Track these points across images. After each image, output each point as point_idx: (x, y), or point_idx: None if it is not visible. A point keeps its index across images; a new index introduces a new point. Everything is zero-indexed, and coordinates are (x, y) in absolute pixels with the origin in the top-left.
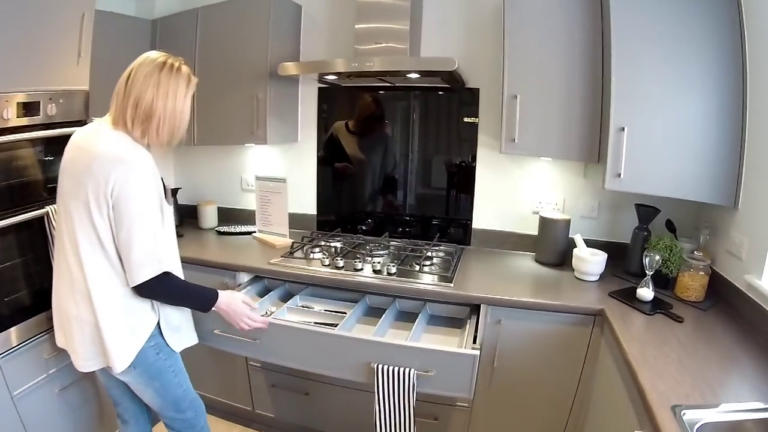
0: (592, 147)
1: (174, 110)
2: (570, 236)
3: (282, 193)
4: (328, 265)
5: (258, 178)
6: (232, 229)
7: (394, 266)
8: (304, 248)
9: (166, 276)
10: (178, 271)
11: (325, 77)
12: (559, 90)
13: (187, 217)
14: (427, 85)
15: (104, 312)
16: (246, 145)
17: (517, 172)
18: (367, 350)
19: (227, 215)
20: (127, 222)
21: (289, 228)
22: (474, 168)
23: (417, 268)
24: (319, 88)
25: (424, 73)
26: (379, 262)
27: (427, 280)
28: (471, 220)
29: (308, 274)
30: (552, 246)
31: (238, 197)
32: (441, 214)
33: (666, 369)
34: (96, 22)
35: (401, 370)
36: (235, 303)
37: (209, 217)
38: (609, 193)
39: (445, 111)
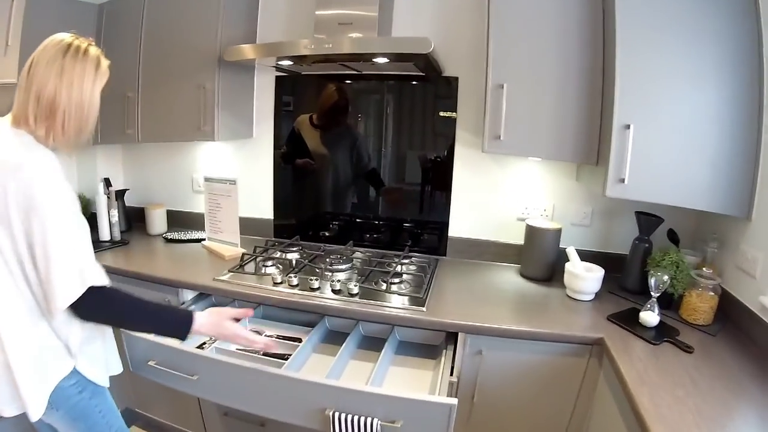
0: (590, 147)
1: (81, 101)
2: (561, 247)
3: (232, 197)
4: (281, 283)
5: (207, 180)
6: (181, 235)
7: (356, 285)
8: (256, 261)
9: (102, 292)
10: None
11: (281, 63)
12: (552, 80)
13: (135, 221)
14: (398, 74)
15: (14, 349)
16: (196, 142)
17: (500, 173)
18: (322, 395)
19: (178, 219)
20: (39, 237)
21: (243, 234)
22: (450, 167)
23: (384, 286)
24: (276, 77)
25: (395, 57)
26: (339, 280)
27: (396, 303)
28: (447, 227)
29: (258, 293)
30: (540, 258)
31: (189, 199)
32: (414, 218)
33: (682, 422)
34: (34, 7)
35: (362, 419)
36: (222, 326)
37: (157, 222)
38: (604, 198)
39: (419, 102)
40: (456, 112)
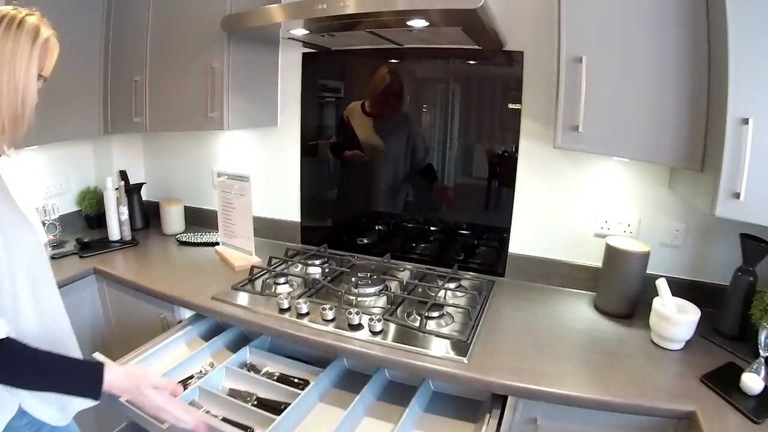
0: (694, 147)
1: (13, 83)
2: (647, 273)
3: (245, 197)
4: (288, 309)
5: (219, 175)
6: (195, 237)
7: (382, 319)
8: (267, 276)
9: None
10: (44, 327)
11: (294, 32)
12: (645, 54)
13: (155, 218)
14: (445, 47)
15: None
16: (214, 131)
17: (576, 175)
18: None
19: (197, 217)
20: None
21: (268, 238)
22: (513, 166)
23: (418, 322)
24: (303, 55)
25: (435, 19)
26: (361, 310)
27: (431, 348)
28: (507, 241)
29: (257, 321)
30: (621, 289)
31: (209, 195)
32: (468, 224)
33: None
34: None
35: None
36: (141, 392)
37: (174, 220)
38: (701, 213)
39: (474, 85)
40: (520, 96)
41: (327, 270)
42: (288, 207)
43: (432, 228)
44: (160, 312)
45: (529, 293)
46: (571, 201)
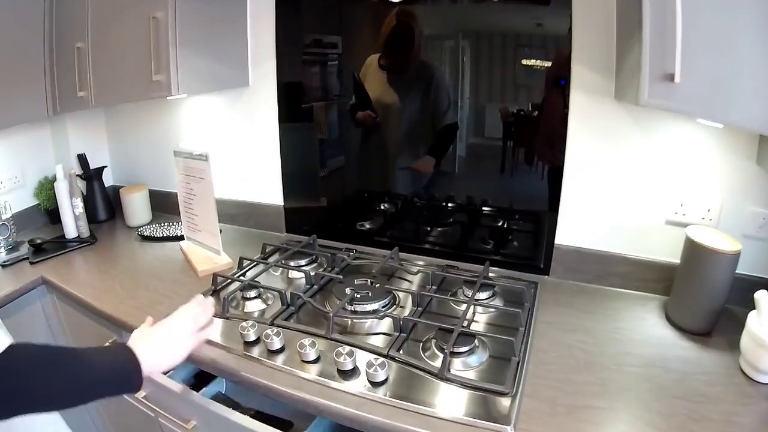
0: None
1: None
2: (736, 275)
3: (205, 180)
4: (255, 343)
5: (176, 154)
6: (160, 230)
7: (384, 364)
8: (233, 288)
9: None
10: None
11: None
12: None
13: (119, 207)
14: None
15: None
16: (171, 98)
17: (643, 143)
18: None
19: (164, 203)
20: None
21: (248, 227)
22: (561, 127)
23: (439, 361)
24: None
25: None
26: (355, 343)
27: (456, 411)
28: (554, 228)
29: (213, 361)
30: (704, 299)
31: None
32: (500, 204)
33: None
34: None
35: None
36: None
37: (138, 210)
38: None
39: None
40: (569, 31)
41: (314, 275)
42: (268, 187)
43: (450, 205)
44: (108, 335)
45: (582, 300)
46: (637, 177)
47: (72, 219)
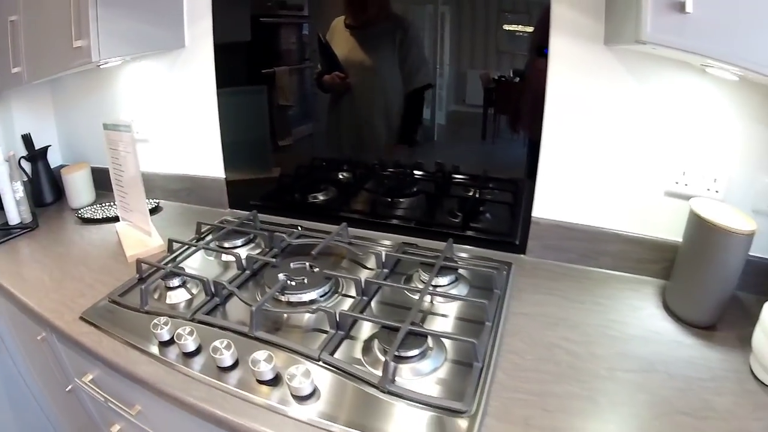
0: None
1: None
2: (748, 258)
3: (130, 153)
4: (170, 343)
5: (106, 127)
6: (100, 211)
7: (308, 374)
8: (156, 276)
9: None
10: None
11: None
12: None
13: None
14: None
15: None
16: (106, 66)
17: (641, 95)
18: None
19: (107, 182)
20: None
21: (191, 204)
22: (540, 79)
23: (380, 370)
24: None
25: None
26: (280, 346)
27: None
28: (531, 200)
29: (124, 364)
30: (712, 286)
31: None
32: (473, 172)
33: None
34: None
35: None
36: None
37: (80, 189)
38: None
39: None
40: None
41: (245, 259)
42: (209, 159)
43: (417, 173)
44: (38, 332)
45: (565, 285)
46: (631, 138)
47: (14, 204)
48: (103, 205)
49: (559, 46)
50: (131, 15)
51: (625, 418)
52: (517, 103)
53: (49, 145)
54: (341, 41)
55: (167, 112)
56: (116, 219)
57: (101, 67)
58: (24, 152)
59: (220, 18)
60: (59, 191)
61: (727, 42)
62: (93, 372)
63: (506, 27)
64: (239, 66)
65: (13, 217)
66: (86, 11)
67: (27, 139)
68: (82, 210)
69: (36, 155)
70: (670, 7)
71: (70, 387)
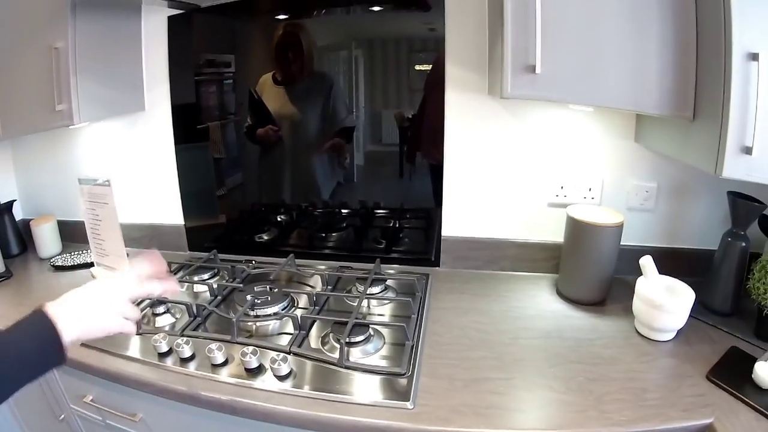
0: (683, 90)
1: None
2: (625, 246)
3: (109, 205)
4: (168, 354)
5: (81, 182)
6: (71, 259)
7: (286, 358)
8: (142, 306)
9: None
10: None
11: None
12: None
13: (31, 241)
14: None
15: None
16: (73, 127)
17: (518, 129)
18: None
19: (74, 233)
20: None
21: (156, 249)
22: (439, 124)
23: (337, 353)
24: (169, 18)
25: None
26: (260, 344)
27: (357, 394)
28: (438, 221)
29: (130, 374)
30: (591, 271)
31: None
32: (390, 204)
33: None
34: None
35: None
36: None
37: (48, 241)
38: (674, 169)
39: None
40: (435, 46)
41: (216, 287)
42: (168, 207)
43: (345, 211)
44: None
45: (475, 285)
46: (516, 165)
47: None
48: (72, 253)
49: (452, 97)
50: (103, 82)
51: (527, 368)
52: (427, 139)
53: (15, 200)
54: (271, 96)
55: (127, 167)
56: (87, 265)
57: (70, 127)
58: None
59: (174, 83)
60: (24, 243)
61: (572, 90)
62: (92, 392)
63: (417, 67)
64: (189, 124)
65: None
66: (67, 78)
67: None
68: (53, 258)
69: (2, 209)
70: (524, 69)
71: (63, 416)
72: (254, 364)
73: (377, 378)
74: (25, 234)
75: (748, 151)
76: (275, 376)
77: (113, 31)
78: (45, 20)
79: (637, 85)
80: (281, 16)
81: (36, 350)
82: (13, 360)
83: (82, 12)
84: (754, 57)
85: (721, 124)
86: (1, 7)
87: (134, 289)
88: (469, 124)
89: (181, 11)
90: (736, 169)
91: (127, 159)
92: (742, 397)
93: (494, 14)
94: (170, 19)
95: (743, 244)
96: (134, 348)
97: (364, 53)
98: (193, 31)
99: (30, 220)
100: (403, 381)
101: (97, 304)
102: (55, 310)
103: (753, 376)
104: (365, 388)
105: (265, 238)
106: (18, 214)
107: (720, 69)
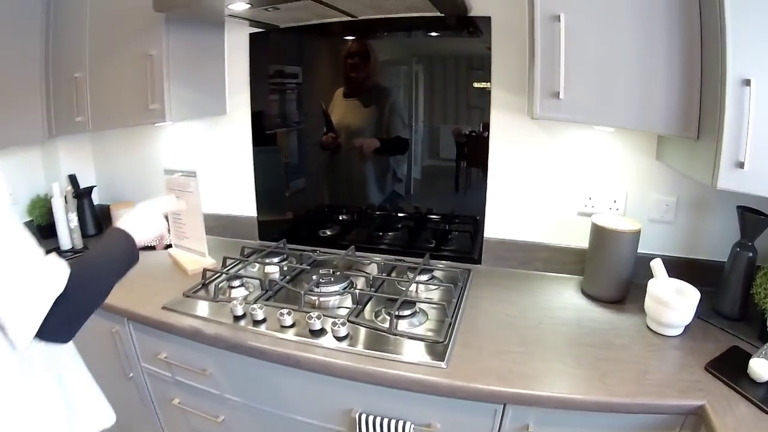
0: (689, 112)
1: None
2: (639, 253)
3: (194, 194)
4: (242, 317)
5: (167, 173)
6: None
7: (345, 323)
8: (221, 279)
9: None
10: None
11: (232, 7)
12: (629, 12)
13: (108, 223)
14: (407, 16)
15: None
16: (157, 125)
17: (554, 148)
18: (347, 393)
19: None
20: None
21: (225, 237)
22: (485, 142)
23: (388, 324)
24: (250, 35)
25: None
26: (324, 312)
27: (403, 354)
28: (482, 224)
29: (209, 332)
30: (610, 272)
31: (160, 194)
32: (440, 212)
33: None
34: None
35: (392, 422)
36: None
37: None
38: (693, 184)
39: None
40: (490, 65)
41: (286, 268)
42: (243, 201)
43: (400, 215)
44: (111, 326)
45: (509, 281)
46: (550, 178)
47: (67, 232)
48: None
49: (496, 118)
50: (190, 87)
51: (546, 346)
52: (483, 155)
53: (95, 186)
54: (338, 108)
55: (207, 163)
56: (165, 247)
57: (156, 125)
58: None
59: (253, 92)
60: (100, 225)
61: (591, 113)
62: (166, 350)
63: (476, 84)
64: (263, 129)
65: (66, 243)
66: (160, 81)
67: (73, 179)
68: None
69: (82, 193)
70: (550, 95)
71: (131, 374)
72: (317, 326)
73: (419, 344)
74: (101, 217)
75: (741, 165)
76: (334, 337)
77: (200, 43)
78: (142, 31)
79: (646, 109)
80: (349, 37)
81: (126, 251)
82: (118, 258)
83: (174, 25)
84: (747, 82)
85: (717, 141)
86: (103, 18)
87: (166, 207)
88: (511, 141)
89: (263, 29)
90: (730, 181)
91: (207, 156)
92: (735, 387)
93: (531, 44)
94: (251, 35)
95: (750, 254)
96: (212, 311)
97: (424, 68)
98: (269, 47)
99: (106, 206)
100: (440, 347)
101: (147, 219)
102: (125, 225)
103: (748, 370)
104: (408, 351)
105: (328, 233)
106: (95, 200)
107: (718, 93)
